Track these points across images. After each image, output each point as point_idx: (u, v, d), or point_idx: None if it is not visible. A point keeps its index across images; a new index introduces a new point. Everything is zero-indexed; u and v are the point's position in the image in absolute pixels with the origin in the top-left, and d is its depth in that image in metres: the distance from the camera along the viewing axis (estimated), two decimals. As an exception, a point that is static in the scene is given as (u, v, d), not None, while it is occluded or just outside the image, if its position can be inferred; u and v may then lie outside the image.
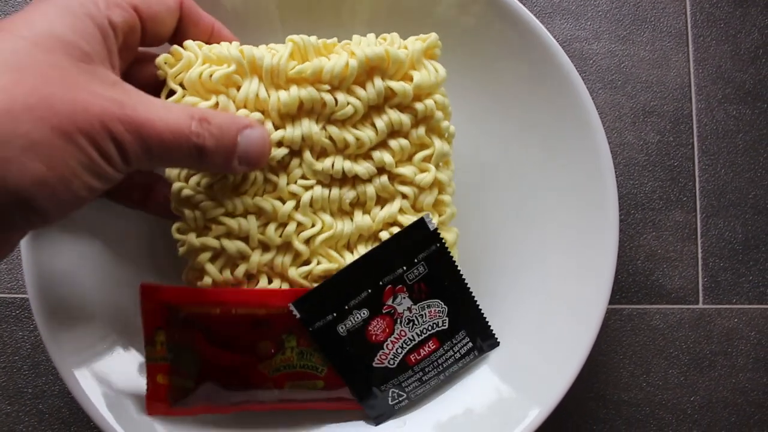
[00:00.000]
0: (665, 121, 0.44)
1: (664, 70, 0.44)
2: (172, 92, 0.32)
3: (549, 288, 0.37)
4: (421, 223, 0.33)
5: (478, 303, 0.35)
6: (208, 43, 0.33)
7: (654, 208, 0.43)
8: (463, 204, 0.37)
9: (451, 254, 0.34)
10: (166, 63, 0.32)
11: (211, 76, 0.31)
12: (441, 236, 0.33)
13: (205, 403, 0.34)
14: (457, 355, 0.36)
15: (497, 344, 0.37)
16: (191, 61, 0.32)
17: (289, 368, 0.33)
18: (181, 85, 0.32)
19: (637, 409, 0.42)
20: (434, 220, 0.34)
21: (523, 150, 0.39)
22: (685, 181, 0.43)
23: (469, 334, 0.36)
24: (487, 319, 0.36)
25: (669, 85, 0.44)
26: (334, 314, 0.33)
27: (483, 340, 0.36)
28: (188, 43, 0.32)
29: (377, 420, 0.36)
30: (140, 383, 0.35)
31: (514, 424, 0.34)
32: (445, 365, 0.36)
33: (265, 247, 0.33)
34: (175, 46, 0.32)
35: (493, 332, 0.36)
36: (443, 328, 0.35)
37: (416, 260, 0.33)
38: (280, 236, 0.33)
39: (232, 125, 0.29)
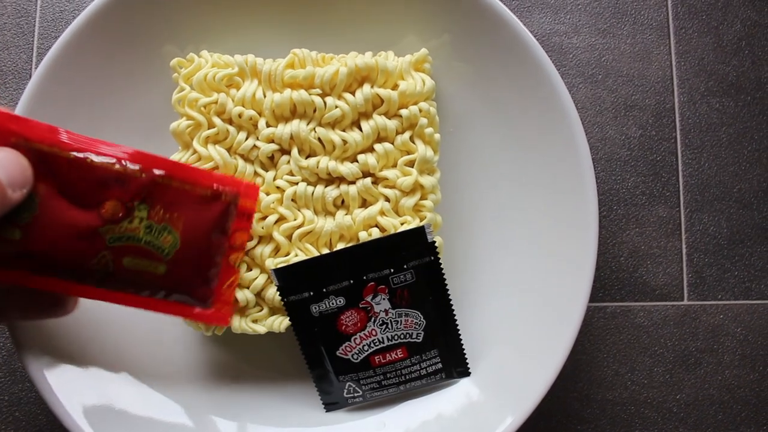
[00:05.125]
0: (647, 115, 0.43)
1: (646, 64, 0.43)
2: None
3: (528, 286, 0.37)
4: (420, 232, 0.33)
5: (458, 327, 0.35)
6: None
7: (637, 204, 0.42)
8: (442, 201, 0.36)
9: (443, 271, 0.34)
10: (180, 66, 0.36)
11: (215, 76, 0.35)
12: (437, 250, 0.33)
13: (27, 268, 0.29)
14: (423, 372, 0.35)
15: (468, 374, 0.36)
16: (201, 64, 0.35)
17: (132, 240, 0.30)
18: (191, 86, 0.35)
19: (622, 408, 0.41)
20: (414, 225, 0.34)
21: (500, 147, 0.38)
22: (668, 176, 0.43)
23: (441, 354, 0.35)
24: (463, 346, 0.36)
25: (651, 79, 0.43)
26: (311, 293, 0.33)
27: (454, 365, 0.36)
28: (203, 53, 0.36)
29: (328, 407, 0.36)
30: (114, 387, 0.35)
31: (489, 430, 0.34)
32: (408, 377, 0.35)
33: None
34: (191, 54, 0.36)
35: (467, 361, 0.36)
36: (416, 340, 0.35)
37: (406, 266, 0.33)
38: (263, 228, 0.34)
39: None
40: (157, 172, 0.30)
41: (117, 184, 0.30)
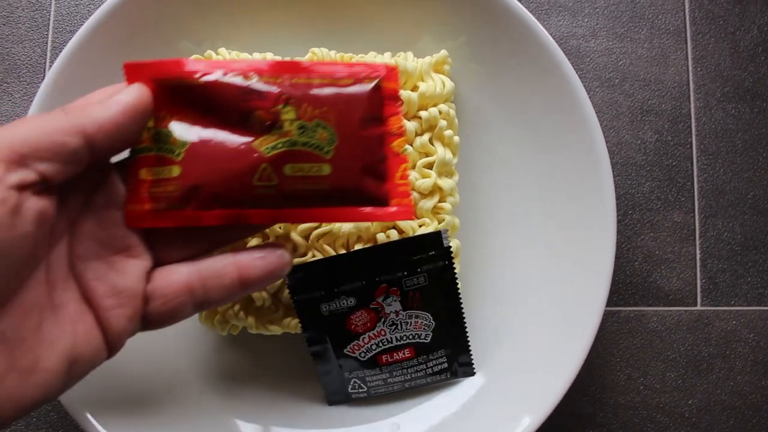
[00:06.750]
0: (663, 120, 0.43)
1: (663, 68, 0.43)
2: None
3: (545, 291, 0.37)
4: (436, 237, 0.33)
5: (467, 330, 0.35)
6: None
7: (652, 209, 0.42)
8: (459, 203, 0.36)
9: (456, 276, 0.34)
10: None
11: None
12: (452, 256, 0.33)
13: (193, 206, 0.28)
14: (429, 371, 0.36)
15: (473, 373, 0.36)
16: None
17: (288, 145, 0.29)
18: None
19: (634, 412, 0.41)
20: (432, 227, 0.34)
21: (519, 150, 0.38)
22: (684, 181, 0.43)
23: (448, 354, 0.35)
24: (470, 348, 0.36)
25: (667, 84, 0.43)
26: (322, 292, 0.33)
27: (460, 365, 0.36)
28: (221, 50, 0.36)
29: (331, 401, 0.36)
30: (125, 386, 0.34)
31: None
32: (414, 376, 0.35)
33: (264, 236, 0.34)
34: (209, 51, 0.36)
35: (473, 361, 0.36)
36: (424, 341, 0.35)
37: (419, 270, 0.33)
38: (280, 228, 0.34)
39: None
40: (289, 75, 0.29)
41: (255, 95, 0.28)
